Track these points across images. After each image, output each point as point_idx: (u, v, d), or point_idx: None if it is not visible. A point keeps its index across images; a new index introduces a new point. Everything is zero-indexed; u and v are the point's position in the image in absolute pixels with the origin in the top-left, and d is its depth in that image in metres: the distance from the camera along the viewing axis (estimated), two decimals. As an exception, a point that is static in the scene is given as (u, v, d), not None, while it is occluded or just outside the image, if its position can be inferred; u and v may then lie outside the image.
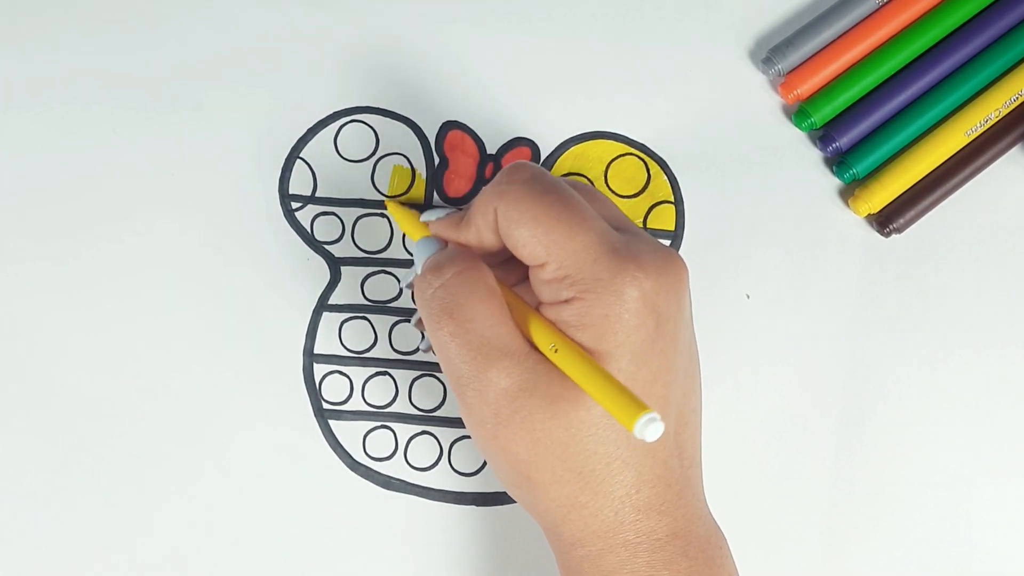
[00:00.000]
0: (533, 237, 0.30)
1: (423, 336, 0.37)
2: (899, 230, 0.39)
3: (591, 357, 0.29)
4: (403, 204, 0.39)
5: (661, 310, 0.29)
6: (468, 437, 0.38)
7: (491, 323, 0.30)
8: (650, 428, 0.26)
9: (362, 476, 0.38)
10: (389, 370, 0.39)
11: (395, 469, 0.38)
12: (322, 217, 0.39)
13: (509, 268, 0.34)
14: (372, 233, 0.39)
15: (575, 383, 0.29)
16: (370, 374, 0.39)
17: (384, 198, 0.39)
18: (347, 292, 0.39)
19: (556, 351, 0.29)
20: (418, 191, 0.39)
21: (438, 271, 0.31)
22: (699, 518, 0.32)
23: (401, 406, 0.39)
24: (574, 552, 0.31)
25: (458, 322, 0.30)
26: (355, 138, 0.39)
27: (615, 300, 0.29)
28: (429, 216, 0.34)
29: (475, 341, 0.30)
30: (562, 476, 0.30)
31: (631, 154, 0.40)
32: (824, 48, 0.39)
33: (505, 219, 0.30)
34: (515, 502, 0.38)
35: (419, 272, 0.32)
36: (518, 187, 0.30)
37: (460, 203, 0.39)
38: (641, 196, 0.39)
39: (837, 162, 0.40)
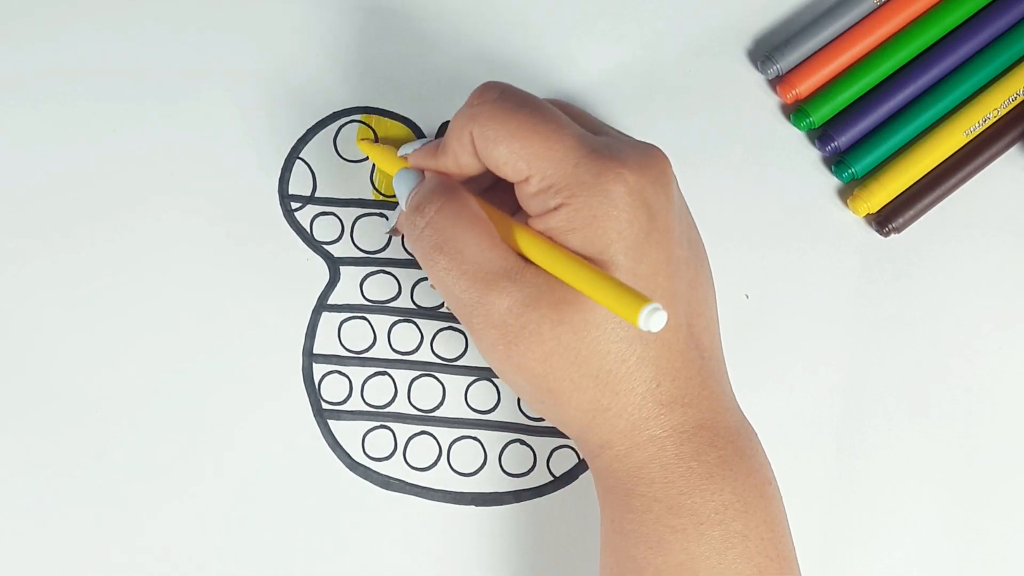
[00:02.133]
0: (512, 153, 0.30)
1: (402, 242, 0.38)
2: (898, 230, 0.39)
3: (584, 259, 0.29)
4: (377, 143, 0.39)
5: (650, 203, 0.29)
6: (468, 437, 0.38)
7: (481, 248, 0.30)
8: (654, 318, 0.26)
9: (361, 476, 0.38)
10: (388, 370, 0.39)
11: (394, 469, 0.38)
12: (322, 217, 0.39)
13: (498, 194, 0.34)
14: (371, 233, 0.39)
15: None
16: (369, 374, 0.39)
17: (358, 142, 0.39)
18: (346, 292, 0.39)
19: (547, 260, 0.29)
20: None
21: (420, 210, 0.31)
22: (726, 409, 0.32)
23: (400, 406, 0.39)
24: (604, 454, 0.31)
25: (450, 256, 0.30)
26: (355, 138, 0.39)
27: (602, 199, 0.29)
28: (406, 149, 0.35)
29: (470, 270, 0.30)
30: (580, 382, 0.30)
31: (630, 154, 0.40)
32: (823, 48, 0.40)
33: (482, 139, 0.30)
34: (515, 502, 0.38)
35: (403, 207, 0.33)
36: (490, 106, 0.30)
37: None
38: (640, 196, 0.39)
39: (836, 162, 0.40)
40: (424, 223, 0.31)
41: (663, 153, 0.31)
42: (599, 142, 0.30)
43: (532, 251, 0.30)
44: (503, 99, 0.31)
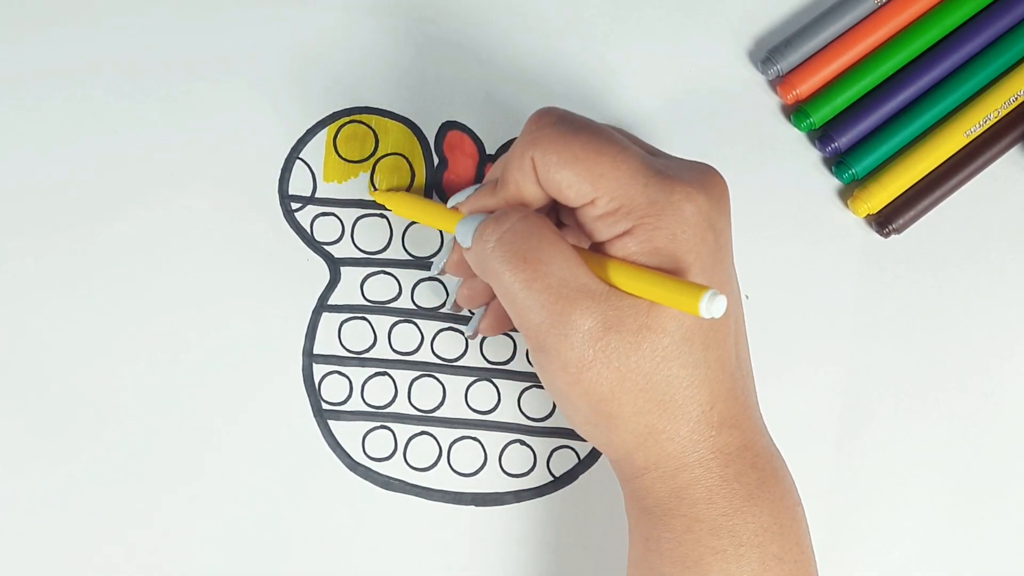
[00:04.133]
0: (577, 176, 0.29)
1: (446, 291, 0.37)
2: (898, 231, 0.39)
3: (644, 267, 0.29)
4: (403, 192, 0.38)
5: (715, 222, 0.30)
6: (468, 438, 0.38)
7: (566, 264, 0.29)
8: (715, 303, 0.26)
9: (361, 476, 0.38)
10: (388, 370, 0.39)
11: (394, 469, 0.38)
12: (322, 218, 0.39)
13: None
14: (372, 234, 0.39)
15: (656, 310, 0.29)
16: (369, 374, 0.39)
17: (380, 195, 0.38)
18: (347, 292, 0.39)
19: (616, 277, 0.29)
20: (417, 191, 0.39)
21: (499, 221, 0.30)
22: (761, 431, 0.32)
23: (400, 406, 0.39)
24: (646, 475, 0.31)
25: (533, 266, 0.29)
26: (355, 138, 0.39)
27: (677, 219, 0.29)
28: (459, 198, 0.34)
29: (554, 284, 0.29)
30: (643, 407, 0.30)
31: (630, 154, 0.40)
32: (823, 48, 0.40)
33: (544, 164, 0.30)
34: (515, 502, 0.38)
35: (469, 244, 0.31)
36: (550, 130, 0.30)
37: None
38: (640, 196, 0.39)
39: (836, 162, 0.40)
40: (505, 228, 0.30)
41: (720, 174, 0.31)
42: (662, 163, 0.30)
43: (613, 271, 0.29)
44: (562, 123, 0.30)
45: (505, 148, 0.40)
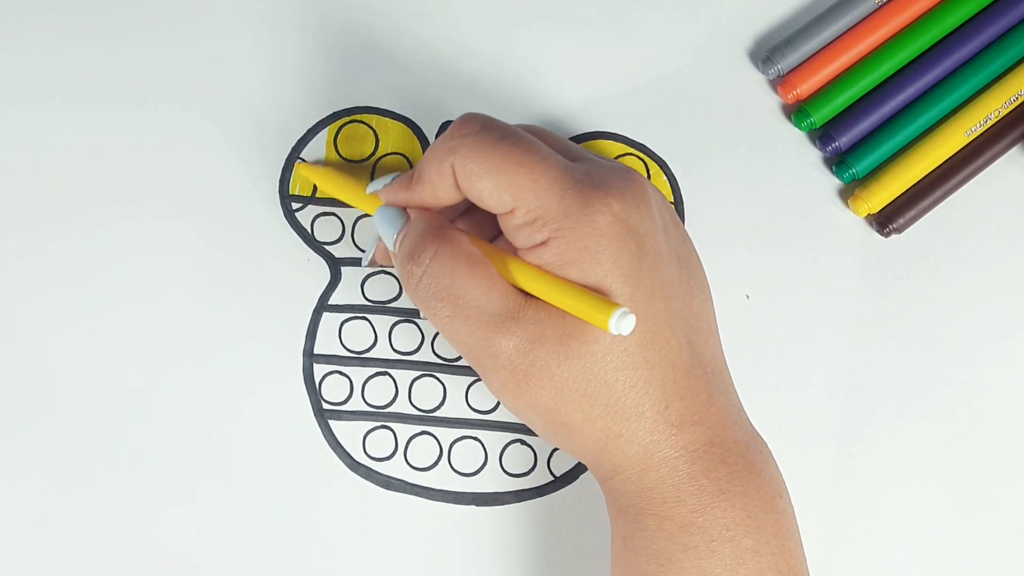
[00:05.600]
0: (497, 187, 0.30)
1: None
2: (899, 230, 0.39)
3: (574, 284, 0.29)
4: (330, 170, 0.38)
5: (637, 228, 0.30)
6: (468, 437, 0.38)
7: (481, 291, 0.30)
8: (624, 322, 0.27)
9: (362, 476, 0.38)
10: (389, 370, 0.39)
11: (395, 469, 0.38)
12: (322, 218, 0.39)
13: (474, 217, 0.34)
14: (372, 234, 0.39)
15: (574, 318, 0.29)
16: (370, 374, 0.39)
17: (309, 169, 0.38)
18: (347, 292, 0.39)
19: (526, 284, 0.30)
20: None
21: (415, 259, 0.31)
22: (735, 424, 0.32)
23: (401, 406, 0.39)
24: (616, 477, 0.31)
25: (451, 303, 0.30)
26: (355, 138, 0.39)
27: (591, 230, 0.29)
28: (376, 185, 0.34)
29: (473, 315, 0.30)
30: (591, 412, 0.30)
31: (631, 154, 0.40)
32: (823, 48, 0.40)
33: (464, 173, 0.30)
34: (515, 502, 0.38)
35: (390, 248, 0.33)
36: (472, 139, 0.30)
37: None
38: (641, 196, 0.39)
39: (837, 162, 0.40)
40: (421, 272, 0.31)
41: (640, 176, 0.31)
42: (581, 171, 0.30)
43: (528, 282, 0.30)
44: (484, 131, 0.30)
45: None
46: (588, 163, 0.31)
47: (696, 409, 0.31)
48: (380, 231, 0.33)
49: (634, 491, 0.31)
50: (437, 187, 0.31)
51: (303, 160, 0.39)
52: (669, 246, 0.32)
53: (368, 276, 0.39)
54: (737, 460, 0.31)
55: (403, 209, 0.33)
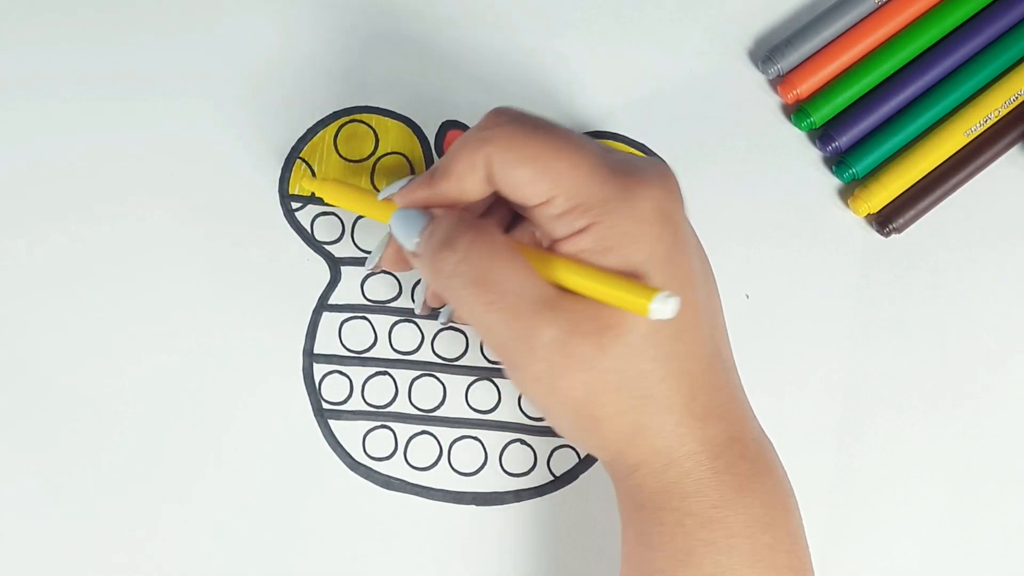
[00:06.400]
0: (536, 173, 0.29)
1: (435, 309, 0.37)
2: (898, 230, 0.39)
3: (595, 266, 0.29)
4: (336, 182, 0.37)
5: (673, 217, 0.30)
6: (468, 437, 0.38)
7: (520, 279, 0.29)
8: (667, 305, 0.27)
9: (362, 476, 0.38)
10: (389, 370, 0.39)
11: (395, 469, 0.38)
12: (322, 217, 0.39)
13: (490, 217, 0.34)
14: (372, 233, 0.39)
15: (612, 309, 0.29)
16: (370, 374, 0.39)
17: (314, 183, 0.37)
18: (347, 292, 0.39)
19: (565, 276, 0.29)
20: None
21: (451, 245, 0.30)
22: (750, 421, 0.32)
23: (401, 406, 0.39)
24: (637, 473, 0.31)
25: (490, 288, 0.29)
26: (355, 138, 0.39)
27: (633, 216, 0.29)
28: (391, 189, 0.33)
29: (512, 302, 0.29)
30: (622, 405, 0.30)
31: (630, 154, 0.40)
32: (823, 48, 0.40)
33: (501, 163, 0.30)
34: (515, 502, 0.38)
35: (410, 248, 0.31)
36: (507, 128, 0.30)
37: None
38: (641, 196, 0.39)
39: (836, 162, 0.40)
40: (458, 259, 0.30)
41: (670, 168, 0.31)
42: (618, 160, 0.30)
43: (564, 273, 0.29)
44: (518, 121, 0.30)
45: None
46: (620, 155, 0.31)
47: (720, 403, 0.31)
48: (398, 232, 0.32)
49: (655, 486, 0.31)
50: (465, 180, 0.31)
51: (305, 163, 0.39)
52: (693, 240, 0.32)
53: (368, 276, 0.39)
54: (756, 457, 0.31)
55: (425, 210, 0.33)
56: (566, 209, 0.29)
